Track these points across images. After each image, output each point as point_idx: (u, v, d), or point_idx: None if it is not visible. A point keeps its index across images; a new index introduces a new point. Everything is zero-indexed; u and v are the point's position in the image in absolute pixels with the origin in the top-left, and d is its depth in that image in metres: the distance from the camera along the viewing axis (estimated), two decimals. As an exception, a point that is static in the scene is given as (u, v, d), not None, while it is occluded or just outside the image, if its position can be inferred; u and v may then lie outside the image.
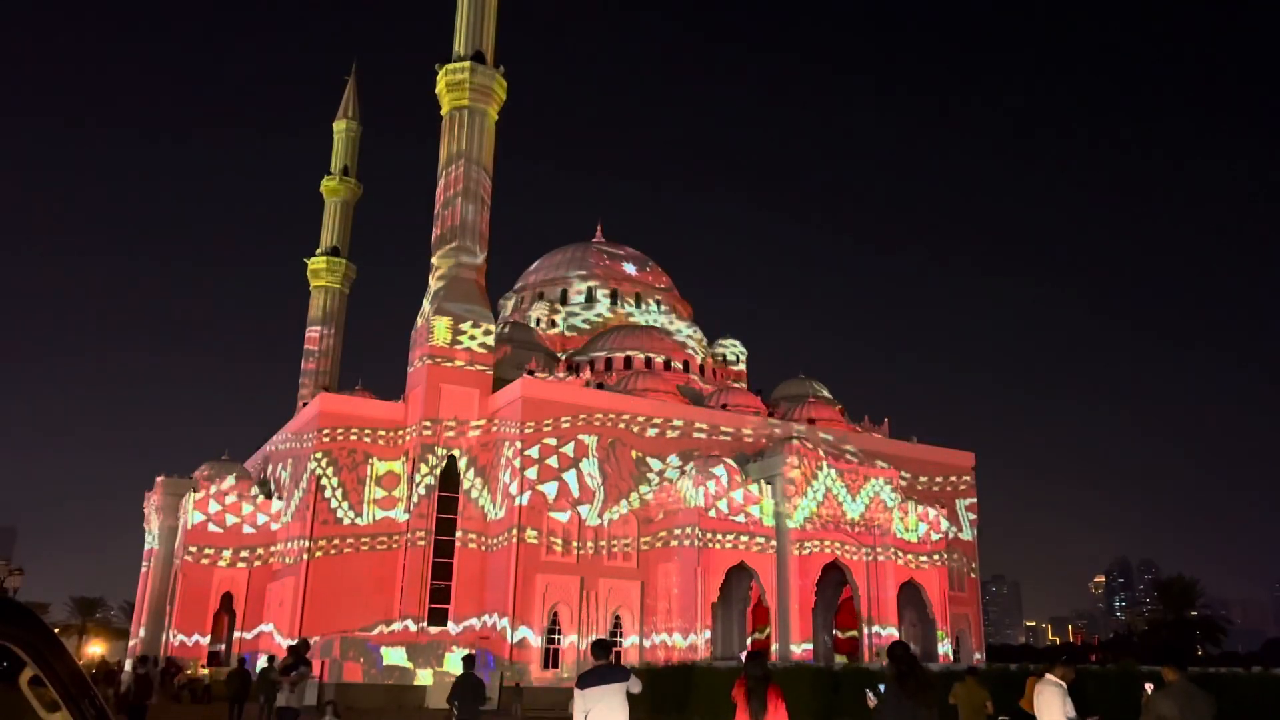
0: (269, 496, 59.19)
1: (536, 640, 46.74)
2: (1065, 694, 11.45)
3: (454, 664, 45.47)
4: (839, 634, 53.90)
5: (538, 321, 68.52)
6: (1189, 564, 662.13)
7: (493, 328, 55.38)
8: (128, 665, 53.54)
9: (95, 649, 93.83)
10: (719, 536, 47.72)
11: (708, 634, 47.12)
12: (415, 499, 50.67)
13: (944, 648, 52.42)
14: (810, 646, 48.13)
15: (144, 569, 67.96)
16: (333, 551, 50.25)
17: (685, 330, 71.22)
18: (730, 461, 50.41)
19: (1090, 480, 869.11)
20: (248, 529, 57.21)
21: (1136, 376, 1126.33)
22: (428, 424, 51.25)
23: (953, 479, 62.44)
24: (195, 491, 57.84)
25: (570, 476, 49.49)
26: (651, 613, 49.15)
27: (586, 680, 9.67)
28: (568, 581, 48.02)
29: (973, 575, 62.12)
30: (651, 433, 52.43)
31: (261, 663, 35.74)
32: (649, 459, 51.80)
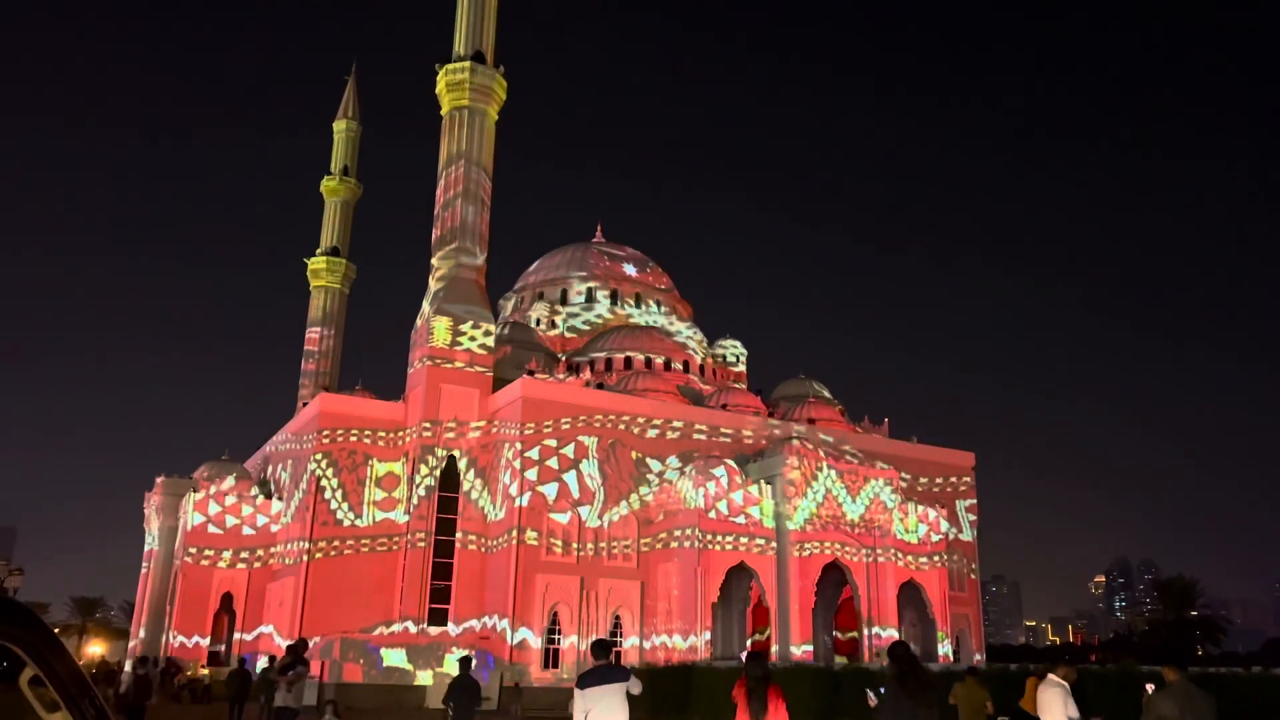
0: (269, 497, 59.17)
1: (536, 641, 46.73)
2: (1068, 694, 11.47)
3: (454, 665, 45.39)
4: (839, 634, 53.84)
5: (538, 322, 68.48)
6: (1189, 564, 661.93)
7: (493, 328, 55.36)
8: (127, 665, 53.49)
9: (95, 649, 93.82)
10: (719, 537, 47.69)
11: (708, 635, 47.10)
12: (415, 500, 50.64)
13: (944, 648, 52.40)
14: (810, 647, 48.11)
15: (144, 569, 67.92)
16: (332, 552, 50.23)
17: (685, 331, 71.19)
18: (730, 462, 50.38)
19: (1090, 480, 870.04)
20: (248, 530, 57.22)
21: (1136, 376, 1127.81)
22: (428, 425, 51.23)
23: (953, 479, 62.44)
24: (195, 492, 57.84)
25: (570, 477, 49.49)
26: (651, 613, 49.13)
27: (586, 680, 9.66)
28: (568, 582, 48.02)
29: (973, 575, 62.09)
30: (651, 433, 52.42)
31: (262, 663, 35.78)
32: (649, 460, 51.79)
